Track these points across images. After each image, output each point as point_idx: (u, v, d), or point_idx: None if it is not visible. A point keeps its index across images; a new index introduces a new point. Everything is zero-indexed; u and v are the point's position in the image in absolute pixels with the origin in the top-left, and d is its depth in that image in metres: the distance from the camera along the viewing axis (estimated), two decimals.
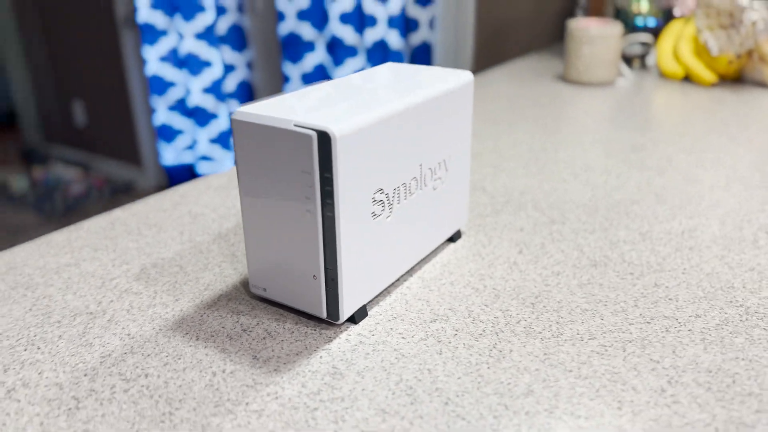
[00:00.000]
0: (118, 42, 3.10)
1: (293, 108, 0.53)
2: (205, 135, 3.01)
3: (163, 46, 2.95)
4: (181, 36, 2.84)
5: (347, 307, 0.54)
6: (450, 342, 0.53)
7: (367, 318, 0.57)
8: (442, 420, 0.45)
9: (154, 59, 2.96)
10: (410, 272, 0.64)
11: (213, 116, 2.98)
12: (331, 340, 0.53)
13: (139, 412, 0.45)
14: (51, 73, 3.44)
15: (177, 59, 2.98)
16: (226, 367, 0.50)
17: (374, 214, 0.54)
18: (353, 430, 0.44)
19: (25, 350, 0.52)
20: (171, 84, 3.02)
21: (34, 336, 0.54)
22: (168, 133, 3.10)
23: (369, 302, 0.59)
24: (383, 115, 0.53)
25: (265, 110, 0.52)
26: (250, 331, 0.55)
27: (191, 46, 2.84)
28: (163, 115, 3.06)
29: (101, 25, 3.10)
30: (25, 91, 3.55)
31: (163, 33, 2.94)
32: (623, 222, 0.74)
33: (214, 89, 2.91)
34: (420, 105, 0.57)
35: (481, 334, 0.54)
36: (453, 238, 0.70)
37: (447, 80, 0.62)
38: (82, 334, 0.54)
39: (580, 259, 0.66)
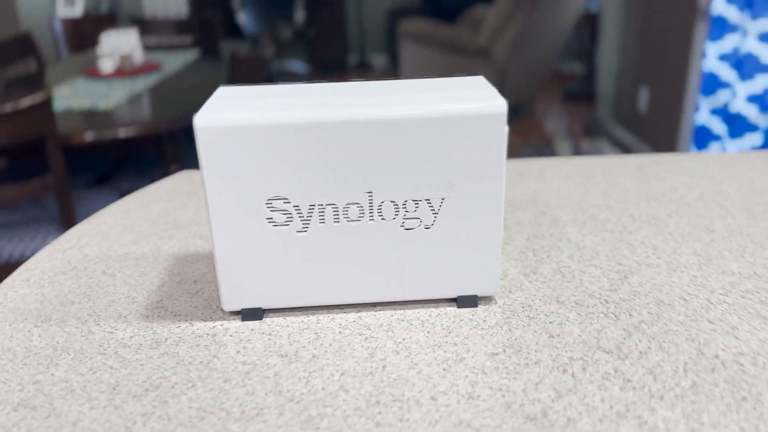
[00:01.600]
0: (690, 32, 2.96)
1: (238, 104, 0.54)
2: (735, 147, 2.66)
3: (728, 43, 2.68)
4: (744, 33, 2.52)
5: (231, 300, 0.55)
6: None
7: (283, 329, 0.55)
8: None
9: (713, 56, 2.73)
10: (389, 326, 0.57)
11: (752, 127, 2.59)
12: (216, 326, 0.55)
13: None
14: (630, 57, 3.54)
15: (735, 59, 2.67)
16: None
17: (271, 221, 0.52)
18: None
19: None
20: (723, 85, 2.74)
21: None
22: (703, 137, 2.86)
23: (287, 309, 0.56)
24: (297, 121, 0.49)
25: (220, 104, 0.56)
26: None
27: (752, 46, 2.50)
28: (704, 116, 2.83)
29: (680, 12, 3.01)
30: (610, 70, 3.76)
31: (733, 29, 2.66)
32: None
33: (761, 98, 2.51)
34: (379, 124, 0.49)
35: None
36: (464, 302, 0.57)
37: (460, 105, 0.50)
38: None
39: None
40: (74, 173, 2.01)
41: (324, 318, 0.55)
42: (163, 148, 1.86)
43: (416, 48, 3.98)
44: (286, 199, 0.52)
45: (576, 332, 0.52)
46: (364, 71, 5.49)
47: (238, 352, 0.51)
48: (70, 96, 2.01)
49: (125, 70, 2.30)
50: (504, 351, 0.50)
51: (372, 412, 0.44)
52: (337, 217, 0.52)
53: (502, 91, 0.70)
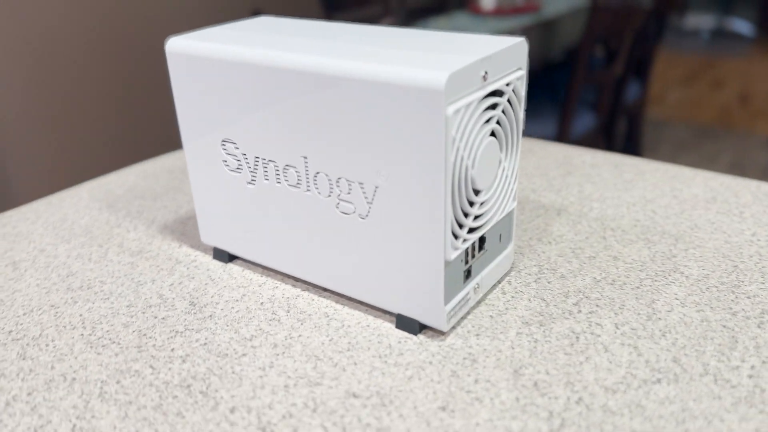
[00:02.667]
0: None
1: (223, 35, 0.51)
2: None
3: None
4: None
5: (206, 234, 0.54)
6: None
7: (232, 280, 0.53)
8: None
9: None
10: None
11: None
12: (194, 259, 0.56)
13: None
14: None
15: None
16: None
17: (227, 164, 0.49)
18: None
19: None
20: None
21: None
22: None
23: (249, 262, 0.53)
24: (241, 59, 0.44)
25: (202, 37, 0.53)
26: None
27: None
28: None
29: None
30: None
31: None
32: None
33: None
34: (309, 76, 0.41)
35: None
36: (403, 324, 0.44)
37: (395, 70, 0.38)
38: None
39: None
40: None
41: (271, 283, 0.50)
42: None
43: None
44: (236, 143, 0.47)
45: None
46: None
47: (176, 280, 0.51)
48: (443, 29, 2.12)
49: (504, 9, 2.31)
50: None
51: (183, 394, 0.40)
52: (278, 177, 0.46)
53: None
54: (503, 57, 0.41)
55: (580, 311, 0.45)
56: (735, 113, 3.10)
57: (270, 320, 0.46)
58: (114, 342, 0.44)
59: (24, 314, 0.48)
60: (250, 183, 0.48)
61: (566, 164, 0.70)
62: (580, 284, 0.48)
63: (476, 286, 0.45)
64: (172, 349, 0.43)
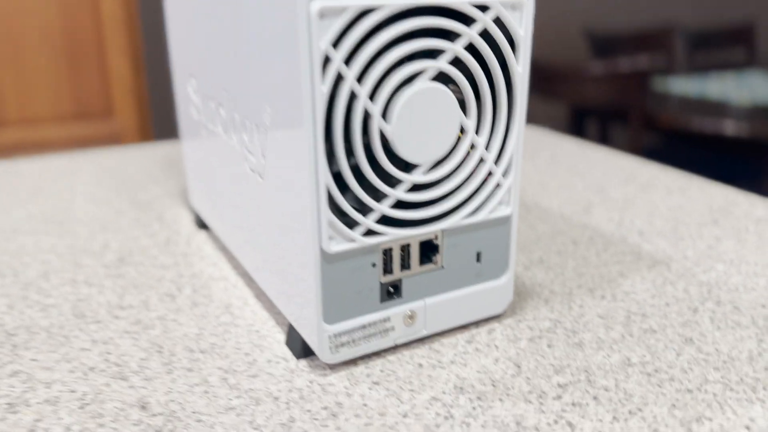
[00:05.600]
0: None
1: None
2: None
3: None
4: None
5: (191, 195, 0.47)
6: None
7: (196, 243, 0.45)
8: None
9: None
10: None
11: None
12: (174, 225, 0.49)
13: None
14: None
15: None
16: None
17: (197, 110, 0.41)
18: None
19: None
20: None
21: None
22: None
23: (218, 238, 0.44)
24: None
25: None
26: None
27: None
28: None
29: None
30: None
31: None
32: None
33: None
34: None
35: None
36: (292, 341, 0.31)
37: None
38: None
39: None
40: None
41: (214, 258, 0.41)
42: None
43: None
44: (196, 78, 0.39)
45: None
46: None
47: (137, 234, 0.44)
48: (729, 86, 1.80)
49: None
50: None
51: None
52: (215, 121, 0.37)
53: None
54: None
55: (558, 397, 0.27)
56: None
57: (166, 295, 0.36)
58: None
59: None
60: (204, 128, 0.39)
61: (721, 211, 0.48)
62: (596, 361, 0.30)
63: (409, 314, 0.30)
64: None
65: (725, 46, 2.16)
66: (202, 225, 0.45)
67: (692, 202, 0.50)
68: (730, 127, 1.53)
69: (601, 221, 0.46)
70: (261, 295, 0.36)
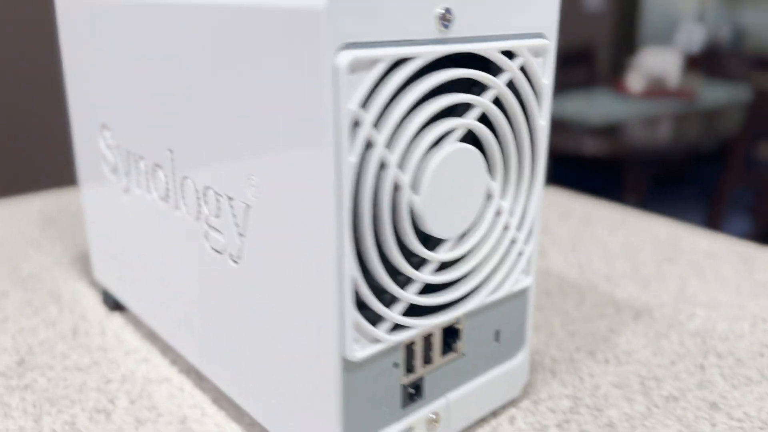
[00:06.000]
0: None
1: None
2: None
3: None
4: None
5: (97, 268, 0.38)
6: None
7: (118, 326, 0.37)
8: None
9: None
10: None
11: None
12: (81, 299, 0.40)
13: None
14: None
15: None
16: None
17: (105, 162, 0.33)
18: None
19: None
20: None
21: None
22: None
23: (137, 313, 0.36)
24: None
25: None
26: None
27: None
28: None
29: None
30: None
31: None
32: None
33: None
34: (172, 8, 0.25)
35: None
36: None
37: None
38: None
39: None
40: None
41: (144, 353, 0.33)
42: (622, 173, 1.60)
43: None
44: (110, 129, 0.31)
45: None
46: None
47: (31, 324, 0.35)
48: (582, 107, 1.91)
49: (654, 91, 2.06)
50: None
51: None
52: (148, 183, 0.29)
53: None
54: (507, 1, 0.22)
55: None
56: None
57: (97, 411, 0.28)
58: None
59: None
60: (125, 191, 0.31)
61: (669, 247, 0.47)
62: None
63: (433, 417, 0.25)
64: None
65: (572, 66, 2.31)
66: (115, 305, 0.37)
67: (638, 237, 0.49)
68: (589, 145, 1.62)
69: (561, 266, 0.44)
70: (221, 400, 0.29)
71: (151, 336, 0.34)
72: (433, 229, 0.22)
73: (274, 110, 0.20)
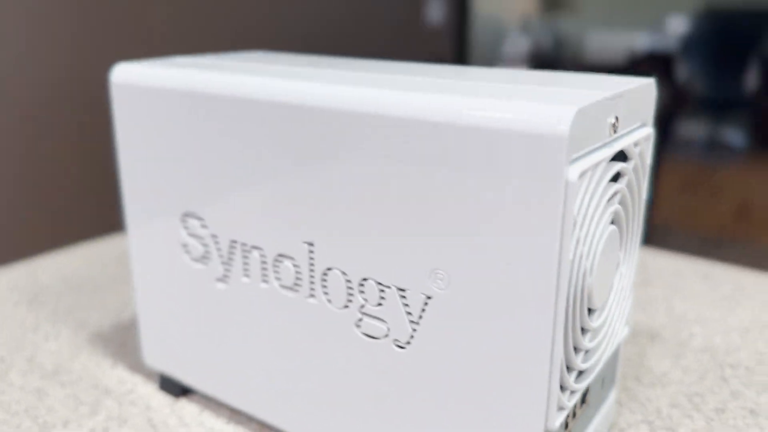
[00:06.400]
0: None
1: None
2: None
3: None
4: None
5: (150, 353, 0.37)
6: None
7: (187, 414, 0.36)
8: None
9: None
10: None
11: None
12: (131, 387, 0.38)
13: None
14: None
15: None
16: None
17: (187, 251, 0.32)
18: None
19: None
20: None
21: None
22: None
23: (212, 400, 0.35)
24: (237, 91, 0.28)
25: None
26: None
27: None
28: None
29: None
30: None
31: None
32: None
33: None
34: (332, 114, 0.25)
35: None
36: None
37: (477, 104, 0.23)
38: None
39: None
40: None
41: None
42: None
43: None
44: (202, 219, 0.31)
45: None
46: None
47: (99, 425, 0.33)
48: None
49: None
50: None
51: None
52: (266, 273, 0.29)
53: None
54: (632, 102, 0.26)
55: None
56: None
57: None
58: None
59: None
60: (220, 280, 0.31)
61: (641, 267, 0.54)
62: None
63: None
64: None
65: None
66: (181, 391, 0.36)
67: None
68: None
69: None
70: None
71: (237, 416, 0.34)
72: (596, 303, 0.25)
73: (487, 215, 0.22)
